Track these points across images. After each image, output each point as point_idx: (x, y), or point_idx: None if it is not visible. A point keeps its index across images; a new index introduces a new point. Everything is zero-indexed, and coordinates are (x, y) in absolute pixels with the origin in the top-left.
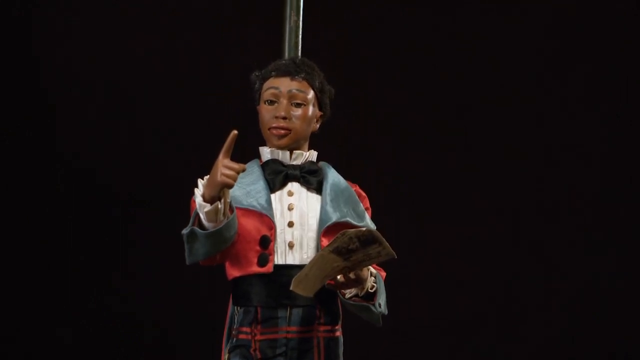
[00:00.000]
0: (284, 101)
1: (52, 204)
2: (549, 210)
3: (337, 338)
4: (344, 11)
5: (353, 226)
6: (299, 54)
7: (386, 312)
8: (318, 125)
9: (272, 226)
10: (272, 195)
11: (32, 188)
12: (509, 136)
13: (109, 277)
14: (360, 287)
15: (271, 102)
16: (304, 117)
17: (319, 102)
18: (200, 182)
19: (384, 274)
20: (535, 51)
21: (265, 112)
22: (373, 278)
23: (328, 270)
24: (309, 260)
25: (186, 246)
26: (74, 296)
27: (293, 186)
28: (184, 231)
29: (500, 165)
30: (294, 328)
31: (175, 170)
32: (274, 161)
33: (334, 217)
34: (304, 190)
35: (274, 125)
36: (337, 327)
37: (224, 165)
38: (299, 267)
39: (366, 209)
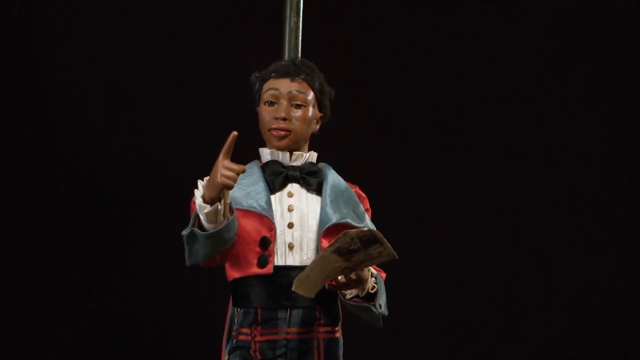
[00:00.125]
0: (284, 102)
1: (52, 204)
2: (549, 210)
3: (337, 339)
4: (344, 11)
5: (353, 227)
6: (299, 54)
7: (386, 313)
8: (318, 127)
9: (272, 227)
10: (272, 197)
11: (32, 188)
12: (509, 136)
13: (109, 277)
14: (360, 287)
15: (271, 104)
16: (304, 119)
17: (319, 103)
18: (200, 183)
19: (384, 274)
20: (535, 51)
21: (265, 113)
22: (374, 279)
23: (329, 271)
24: (309, 261)
25: (186, 247)
26: (74, 296)
27: (293, 187)
28: (184, 232)
29: (500, 165)
30: (293, 329)
31: (175, 170)
32: (274, 162)
33: (334, 218)
34: (304, 191)
35: (273, 126)
36: (337, 328)
37: (224, 166)
38: (299, 268)
39: (366, 210)
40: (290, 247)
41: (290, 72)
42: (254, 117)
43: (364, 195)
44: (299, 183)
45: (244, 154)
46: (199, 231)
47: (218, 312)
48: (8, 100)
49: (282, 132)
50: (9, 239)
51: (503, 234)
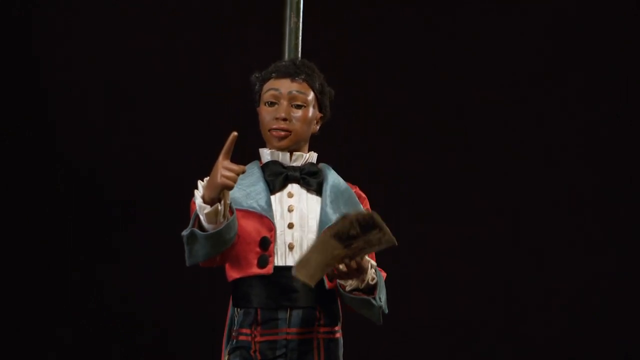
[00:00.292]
0: (284, 102)
1: (52, 204)
2: (549, 210)
3: (337, 339)
4: (344, 11)
5: None
6: (299, 55)
7: (387, 311)
8: (318, 127)
9: (272, 228)
10: (272, 197)
11: (32, 188)
12: (509, 136)
13: (109, 277)
14: (360, 278)
15: (271, 104)
16: (304, 119)
17: (319, 104)
18: (200, 184)
19: (384, 274)
20: (536, 51)
21: (266, 113)
22: (373, 270)
23: (329, 259)
24: None
25: (186, 247)
26: (74, 296)
27: (293, 188)
28: (184, 233)
29: (500, 165)
30: (293, 329)
31: (175, 170)
32: (274, 163)
33: (334, 218)
34: (304, 191)
35: (274, 126)
36: (337, 329)
37: (223, 166)
38: None
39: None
40: (291, 247)
41: (291, 72)
42: (254, 117)
43: (364, 195)
44: (299, 183)
45: (244, 154)
46: (199, 232)
47: (218, 312)
48: (8, 100)
49: (283, 133)
50: (9, 239)
51: (503, 234)
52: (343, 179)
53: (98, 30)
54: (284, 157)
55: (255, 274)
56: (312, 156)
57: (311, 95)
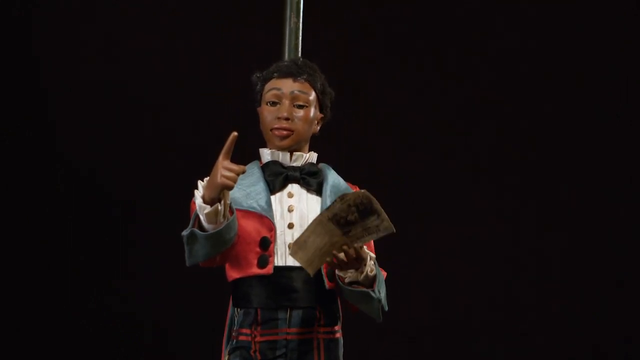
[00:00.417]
0: (286, 102)
1: (52, 204)
2: (549, 210)
3: (337, 339)
4: (344, 12)
5: None
6: (299, 55)
7: (386, 308)
8: (318, 127)
9: (272, 228)
10: (272, 197)
11: (32, 188)
12: (509, 136)
13: (109, 277)
14: (359, 270)
15: (273, 103)
16: (306, 119)
17: (320, 104)
18: (200, 184)
19: (385, 273)
20: (536, 51)
21: (268, 113)
22: (372, 262)
23: (327, 246)
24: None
25: (186, 248)
26: (74, 296)
27: (293, 188)
28: (184, 233)
29: (500, 165)
30: (294, 330)
31: (176, 170)
32: (274, 163)
33: None
34: (304, 191)
35: (276, 126)
36: (337, 329)
37: (223, 166)
38: (299, 268)
39: None
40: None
41: (293, 72)
42: (254, 117)
43: None
44: (299, 183)
45: (244, 154)
46: (199, 232)
47: (218, 312)
48: (8, 100)
49: (285, 132)
50: (9, 239)
51: (503, 234)
52: (343, 179)
53: (98, 30)
54: (284, 157)
55: (255, 274)
56: (312, 156)
57: (313, 95)
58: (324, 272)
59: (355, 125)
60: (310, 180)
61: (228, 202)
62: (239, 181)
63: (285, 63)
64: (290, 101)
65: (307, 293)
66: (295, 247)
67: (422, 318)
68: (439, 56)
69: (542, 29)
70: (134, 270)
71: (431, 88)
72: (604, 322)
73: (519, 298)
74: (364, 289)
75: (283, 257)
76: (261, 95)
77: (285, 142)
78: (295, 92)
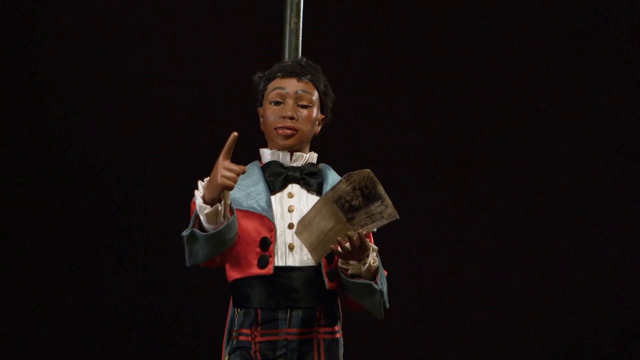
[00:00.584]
0: (290, 102)
1: (52, 204)
2: (549, 210)
3: (337, 339)
4: (344, 12)
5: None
6: (299, 55)
7: (388, 305)
8: (319, 128)
9: (272, 228)
10: (273, 197)
11: (32, 188)
12: (510, 136)
13: (109, 277)
14: (362, 262)
15: (277, 103)
16: (310, 119)
17: (322, 105)
18: (201, 184)
19: (385, 272)
20: (536, 51)
21: (271, 112)
22: (375, 254)
23: (331, 233)
24: (309, 262)
25: (186, 248)
26: (74, 296)
27: (293, 188)
28: (184, 233)
29: (500, 165)
30: (294, 330)
31: (175, 171)
32: (274, 163)
33: None
34: (304, 192)
35: (280, 125)
36: (337, 329)
37: (224, 167)
38: (299, 269)
39: None
40: (291, 247)
41: (297, 72)
42: (254, 117)
43: None
44: (299, 184)
45: (244, 154)
46: (199, 232)
47: (218, 312)
48: (8, 100)
49: (289, 131)
50: (9, 238)
51: (503, 234)
52: None
53: (98, 29)
54: (284, 158)
55: (256, 274)
56: (312, 156)
57: (316, 95)
58: (324, 272)
59: (355, 125)
60: (311, 180)
61: (228, 202)
62: (239, 181)
63: (289, 63)
64: (294, 101)
65: (307, 293)
66: (300, 227)
67: (422, 318)
68: (439, 56)
69: (543, 29)
70: (134, 270)
71: (431, 88)
72: (604, 321)
73: (519, 298)
74: (367, 281)
75: (283, 258)
76: (264, 94)
77: (289, 142)
78: (300, 92)
